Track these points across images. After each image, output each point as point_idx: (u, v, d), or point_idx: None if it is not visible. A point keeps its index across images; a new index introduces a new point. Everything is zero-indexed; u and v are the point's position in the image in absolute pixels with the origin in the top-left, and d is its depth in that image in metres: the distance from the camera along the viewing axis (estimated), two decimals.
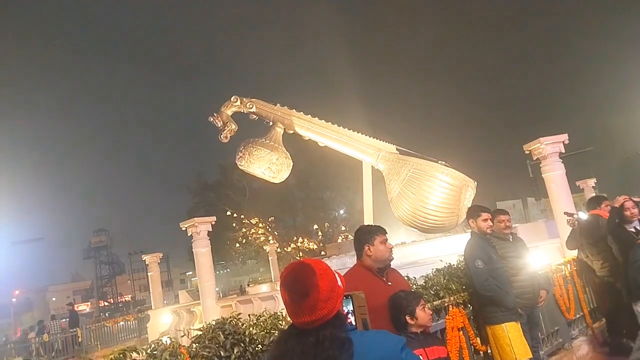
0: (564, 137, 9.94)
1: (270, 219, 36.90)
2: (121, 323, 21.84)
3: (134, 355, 2.95)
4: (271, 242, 27.51)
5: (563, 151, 10.04)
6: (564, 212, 7.53)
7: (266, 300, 10.76)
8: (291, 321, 1.67)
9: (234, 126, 13.45)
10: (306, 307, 1.58)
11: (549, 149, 9.81)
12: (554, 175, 9.93)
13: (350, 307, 1.79)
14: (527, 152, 10.40)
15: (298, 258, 34.65)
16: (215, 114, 13.51)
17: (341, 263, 14.96)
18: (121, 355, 2.90)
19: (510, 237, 5.01)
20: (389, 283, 3.12)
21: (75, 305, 26.70)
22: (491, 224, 4.64)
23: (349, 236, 34.94)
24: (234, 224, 35.28)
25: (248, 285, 27.97)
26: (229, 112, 13.58)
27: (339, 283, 1.67)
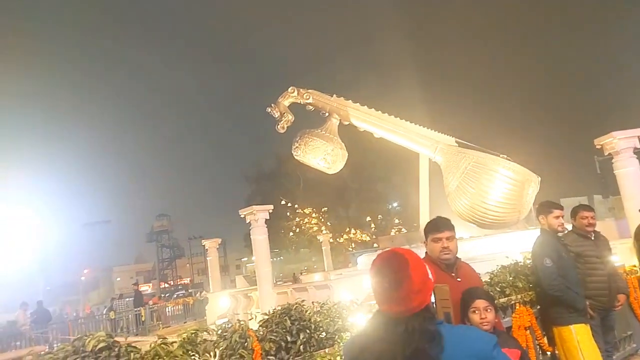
0: (639, 131, 9.32)
1: (323, 210, 37.18)
2: (182, 305, 22.83)
3: (205, 335, 3.08)
4: (324, 232, 27.70)
5: (638, 146, 9.42)
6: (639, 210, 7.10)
7: (321, 289, 10.87)
8: (379, 308, 1.66)
9: (290, 117, 13.61)
10: (398, 298, 1.56)
11: (622, 144, 9.22)
12: (628, 171, 9.33)
13: (432, 299, 1.77)
14: (598, 146, 9.81)
15: (350, 249, 34.82)
16: (272, 105, 13.73)
17: None
18: (193, 335, 3.04)
19: (592, 235, 4.76)
20: (458, 279, 3.02)
21: (138, 286, 28.08)
22: (562, 221, 4.44)
23: (402, 229, 34.63)
24: (288, 213, 35.86)
25: (301, 273, 28.35)
26: (286, 102, 13.75)
27: (430, 276, 1.66)
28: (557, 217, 4.40)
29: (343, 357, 1.88)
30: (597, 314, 4.51)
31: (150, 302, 22.62)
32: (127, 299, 25.58)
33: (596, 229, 4.81)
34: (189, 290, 37.54)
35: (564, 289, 4.14)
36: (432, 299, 1.77)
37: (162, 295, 36.25)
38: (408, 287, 1.56)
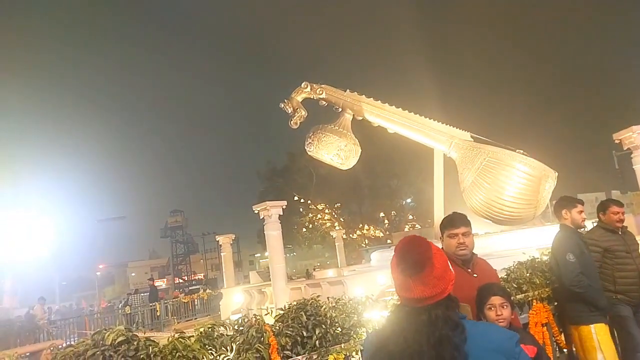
0: None
1: (336, 206, 37.16)
2: (196, 300, 23.05)
3: (222, 329, 3.11)
4: (337, 228, 27.71)
5: None
6: None
7: (335, 285, 10.88)
8: (401, 298, 1.66)
9: (303, 112, 13.59)
10: (419, 282, 1.56)
11: None
12: None
13: None
14: (616, 141, 9.66)
15: (364, 245, 34.76)
16: (285, 100, 13.72)
17: None
18: (210, 329, 3.07)
19: (620, 230, 4.64)
20: (475, 275, 3.00)
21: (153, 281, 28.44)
22: (585, 216, 4.38)
23: (416, 225, 34.49)
24: (301, 209, 35.91)
25: (314, 269, 28.39)
26: (299, 98, 13.74)
27: (450, 267, 1.66)
28: (581, 212, 4.33)
29: (364, 351, 1.87)
30: (629, 307, 4.42)
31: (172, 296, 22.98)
32: (143, 294, 25.93)
33: None
34: (198, 286, 37.83)
35: (587, 285, 4.04)
36: None
37: (183, 290, 36.55)
38: (429, 272, 1.57)
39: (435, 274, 1.57)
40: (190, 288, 37.06)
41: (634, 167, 9.51)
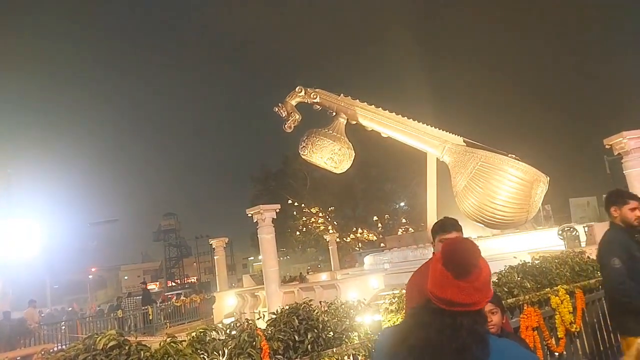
0: None
1: (330, 209, 37.19)
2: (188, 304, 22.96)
3: (214, 334, 3.11)
4: (330, 231, 27.71)
5: None
6: None
7: (328, 289, 10.90)
8: (430, 294, 1.57)
9: (297, 116, 13.64)
10: (456, 285, 1.50)
11: (632, 143, 9.17)
12: (637, 171, 9.26)
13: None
14: (607, 146, 9.75)
15: (357, 249, 34.79)
16: (280, 104, 13.77)
17: (402, 256, 14.87)
18: (202, 334, 3.07)
19: None
20: None
21: (146, 285, 28.34)
22: (639, 214, 3.86)
23: (410, 229, 34.55)
24: (295, 213, 35.89)
25: (307, 272, 28.36)
26: (294, 102, 13.78)
27: (491, 286, 1.60)
28: (634, 209, 3.88)
29: (377, 347, 1.80)
30: None
31: (174, 299, 22.96)
32: (136, 298, 25.81)
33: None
34: (180, 291, 37.60)
35: (634, 295, 3.63)
36: None
37: (179, 293, 36.33)
38: (472, 279, 1.50)
39: (476, 285, 1.50)
40: (167, 294, 36.31)
41: (624, 172, 9.60)
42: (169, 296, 27.65)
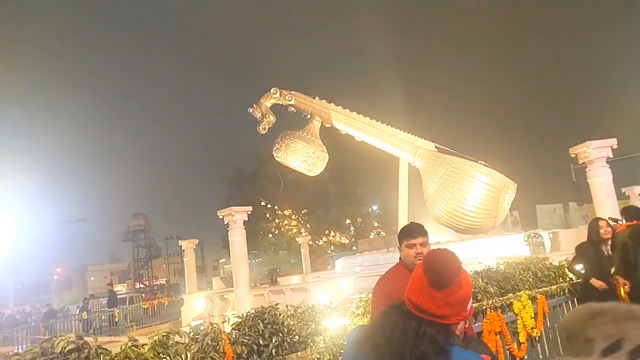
0: (613, 141, 9.58)
1: (303, 212, 37.17)
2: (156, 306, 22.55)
3: (177, 338, 3.06)
4: (303, 234, 27.70)
5: (611, 156, 9.69)
6: (609, 218, 7.25)
7: (298, 292, 10.88)
8: (405, 297, 1.58)
9: (272, 118, 13.60)
10: (429, 294, 1.49)
11: (596, 153, 9.49)
12: (600, 180, 9.59)
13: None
14: (572, 155, 10.06)
15: (329, 252, 34.86)
16: (254, 105, 13.71)
17: (373, 260, 14.96)
18: (164, 337, 3.01)
19: None
20: None
21: (113, 286, 27.66)
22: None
23: (381, 232, 34.84)
24: (268, 215, 35.74)
25: (277, 274, 28.26)
26: (268, 103, 13.75)
27: (469, 307, 1.57)
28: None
29: (347, 343, 1.80)
30: None
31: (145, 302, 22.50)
32: (102, 300, 25.15)
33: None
34: (132, 294, 36.90)
35: None
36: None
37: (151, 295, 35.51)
38: (448, 293, 1.49)
39: (449, 299, 1.49)
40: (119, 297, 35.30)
41: (588, 180, 9.92)
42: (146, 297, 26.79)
